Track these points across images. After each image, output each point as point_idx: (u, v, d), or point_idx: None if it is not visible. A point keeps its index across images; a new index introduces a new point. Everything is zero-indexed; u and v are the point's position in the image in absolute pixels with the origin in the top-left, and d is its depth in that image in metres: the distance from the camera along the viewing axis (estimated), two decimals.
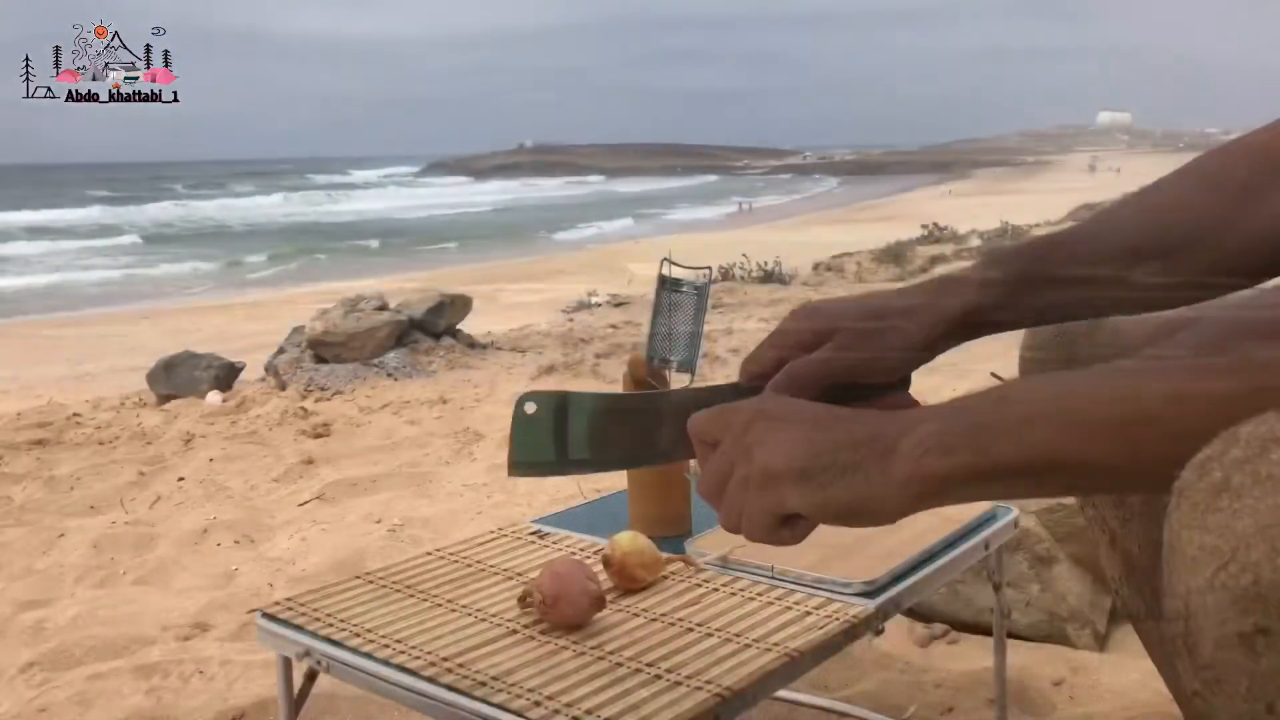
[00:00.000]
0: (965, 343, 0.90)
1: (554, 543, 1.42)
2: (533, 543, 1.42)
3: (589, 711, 0.96)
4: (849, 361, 0.88)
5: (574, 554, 1.37)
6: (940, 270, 8.56)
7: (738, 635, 1.12)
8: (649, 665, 1.05)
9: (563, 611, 1.11)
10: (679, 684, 1.01)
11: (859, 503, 0.70)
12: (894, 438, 0.69)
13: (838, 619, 1.15)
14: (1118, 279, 0.89)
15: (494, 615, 1.18)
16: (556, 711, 0.96)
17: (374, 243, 28.79)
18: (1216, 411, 0.56)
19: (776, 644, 1.09)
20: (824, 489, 0.70)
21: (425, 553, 1.39)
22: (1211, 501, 0.52)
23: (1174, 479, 0.55)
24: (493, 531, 1.46)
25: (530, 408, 0.89)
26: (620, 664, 1.05)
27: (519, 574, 1.30)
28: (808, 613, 1.17)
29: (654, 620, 1.16)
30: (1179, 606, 0.53)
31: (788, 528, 0.74)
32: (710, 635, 1.12)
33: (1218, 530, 0.51)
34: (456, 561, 1.35)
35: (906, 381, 0.90)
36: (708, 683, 1.01)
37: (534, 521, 1.51)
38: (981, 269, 0.90)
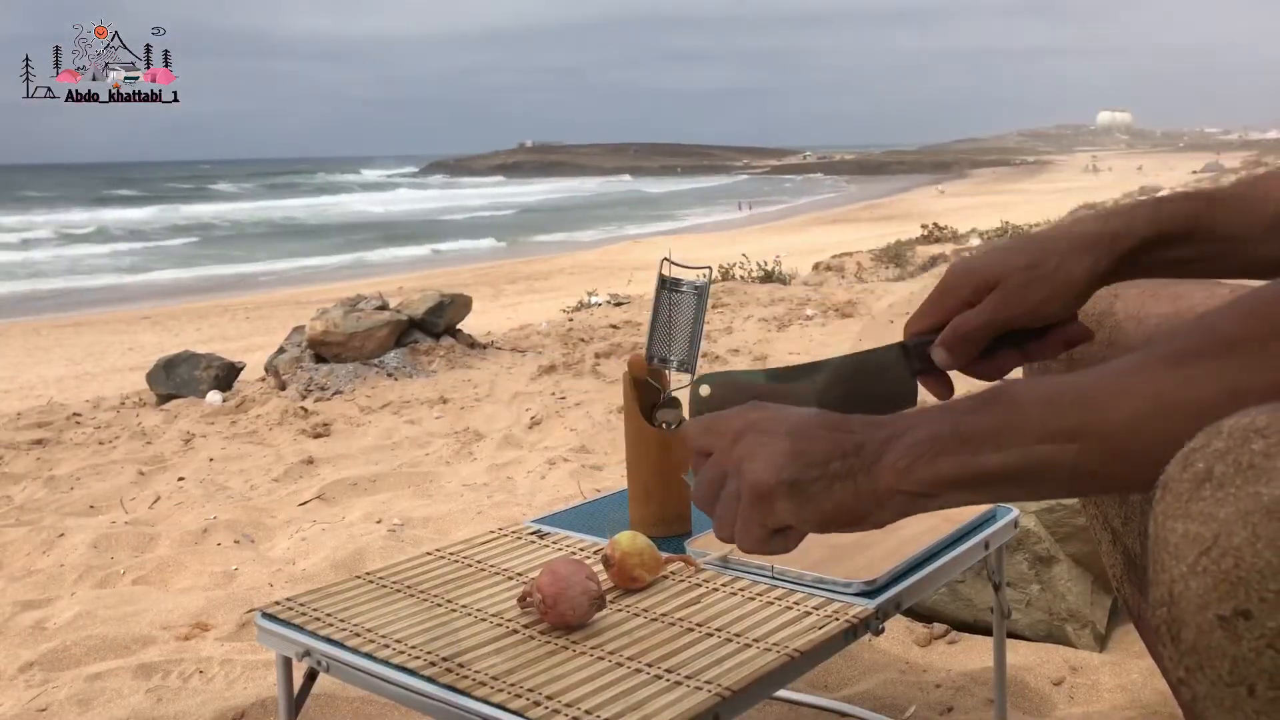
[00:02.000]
0: (1125, 281, 0.93)
1: (554, 542, 1.42)
2: (533, 543, 1.42)
3: (589, 711, 0.96)
4: (1014, 313, 0.90)
5: (574, 554, 1.37)
6: (940, 269, 8.55)
7: (738, 635, 1.12)
8: (649, 665, 1.05)
9: (562, 612, 1.11)
10: (679, 684, 1.01)
11: (847, 512, 0.71)
12: (880, 446, 0.70)
13: (838, 619, 1.15)
14: (1256, 247, 0.91)
15: (494, 615, 1.18)
16: (556, 711, 0.96)
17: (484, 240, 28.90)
18: (1199, 417, 0.57)
19: (776, 644, 1.09)
20: (812, 501, 0.72)
21: (425, 553, 1.39)
22: (1194, 491, 0.53)
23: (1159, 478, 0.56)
24: (492, 531, 1.47)
25: (705, 390, 0.98)
26: (620, 664, 1.05)
27: (519, 574, 1.30)
28: (808, 613, 1.17)
29: (654, 620, 1.16)
30: (1163, 594, 0.54)
31: (779, 538, 0.76)
32: (710, 635, 1.12)
33: (1200, 518, 0.52)
34: (456, 561, 1.35)
35: (1073, 315, 0.92)
36: (708, 683, 1.01)
37: (534, 521, 1.51)
38: (1147, 210, 0.91)
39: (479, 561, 1.35)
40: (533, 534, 1.46)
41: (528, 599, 1.15)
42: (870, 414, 0.76)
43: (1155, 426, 0.61)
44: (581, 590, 1.11)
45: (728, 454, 0.76)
